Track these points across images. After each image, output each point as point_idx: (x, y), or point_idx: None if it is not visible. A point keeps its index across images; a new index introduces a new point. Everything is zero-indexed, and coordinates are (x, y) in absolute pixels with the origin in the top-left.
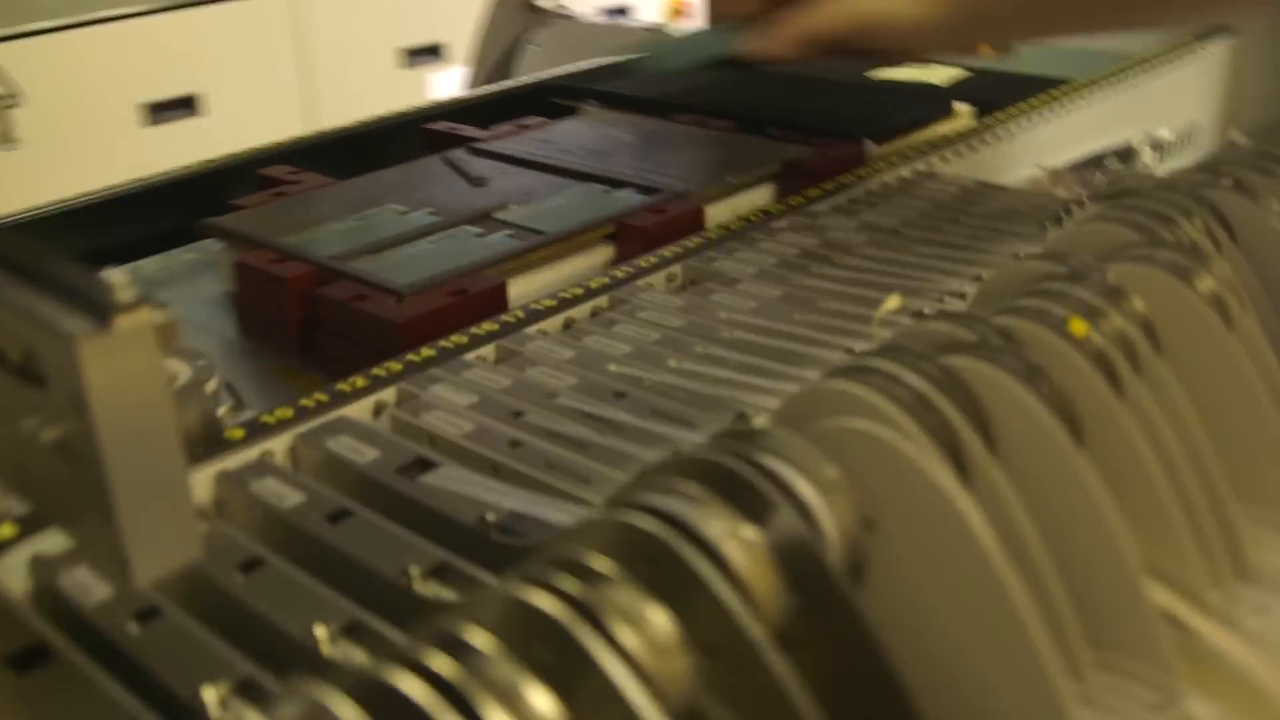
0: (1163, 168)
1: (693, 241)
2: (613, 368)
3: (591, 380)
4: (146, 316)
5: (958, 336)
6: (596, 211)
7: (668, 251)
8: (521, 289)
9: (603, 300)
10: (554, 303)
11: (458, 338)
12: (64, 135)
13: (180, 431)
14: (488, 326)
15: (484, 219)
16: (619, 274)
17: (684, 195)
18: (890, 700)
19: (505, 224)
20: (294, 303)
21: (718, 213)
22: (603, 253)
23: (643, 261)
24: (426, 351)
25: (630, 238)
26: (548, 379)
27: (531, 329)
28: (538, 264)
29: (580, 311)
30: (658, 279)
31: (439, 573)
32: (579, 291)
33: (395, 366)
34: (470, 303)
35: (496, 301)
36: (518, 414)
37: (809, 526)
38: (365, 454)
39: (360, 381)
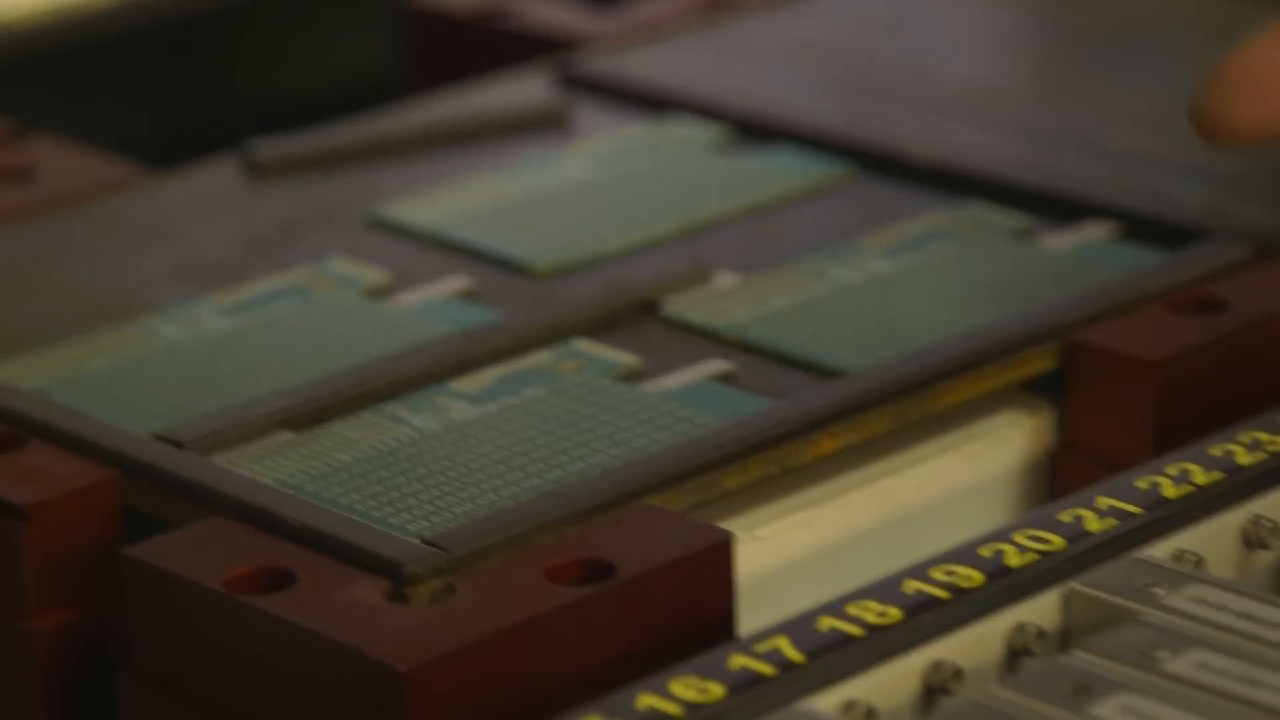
0: None
1: None
2: None
3: None
4: None
5: None
6: (995, 303)
7: (1259, 442)
8: (775, 559)
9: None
10: (880, 612)
11: None
12: None
13: None
14: (691, 689)
15: (617, 320)
16: (1100, 525)
17: None
18: None
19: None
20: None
21: None
22: (1017, 433)
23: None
24: None
25: (1115, 388)
26: None
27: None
28: (812, 479)
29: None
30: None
31: None
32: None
33: None
34: (618, 604)
35: (701, 609)
36: None
37: None
38: None
39: None
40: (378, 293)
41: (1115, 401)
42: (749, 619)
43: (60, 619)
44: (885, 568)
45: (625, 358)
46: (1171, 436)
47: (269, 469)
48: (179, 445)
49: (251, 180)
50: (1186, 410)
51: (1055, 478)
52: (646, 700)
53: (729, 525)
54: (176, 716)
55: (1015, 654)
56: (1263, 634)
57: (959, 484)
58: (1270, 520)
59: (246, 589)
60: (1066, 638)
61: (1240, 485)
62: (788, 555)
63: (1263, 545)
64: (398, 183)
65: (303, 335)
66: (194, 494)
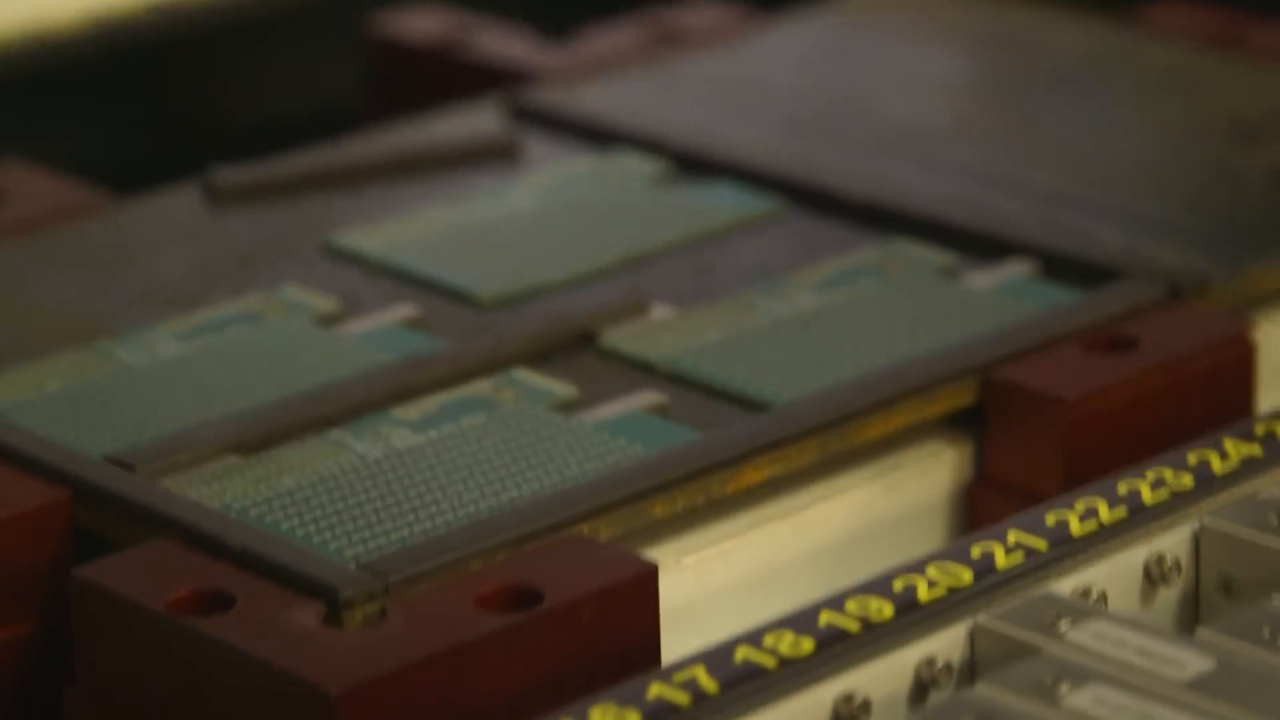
0: None
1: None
2: None
3: None
4: None
5: None
6: (917, 339)
7: (1164, 480)
8: (701, 586)
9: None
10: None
11: None
12: None
13: None
14: (610, 716)
15: (564, 349)
16: (1008, 561)
17: (1195, 286)
18: None
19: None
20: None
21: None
22: (936, 466)
23: (1083, 513)
24: None
25: (1030, 424)
26: None
27: None
28: (738, 509)
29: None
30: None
31: None
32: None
33: None
34: (545, 631)
35: (626, 636)
36: None
37: None
38: None
39: None
40: (328, 320)
41: (1029, 437)
42: (675, 643)
43: (11, 634)
44: (807, 596)
45: (562, 388)
46: (1083, 470)
47: (216, 492)
48: (129, 468)
49: (212, 207)
50: (1097, 446)
51: (972, 509)
52: None
53: (656, 552)
54: None
55: (923, 686)
56: (1158, 670)
57: (879, 515)
58: (1172, 557)
59: (188, 610)
60: (972, 670)
61: (1144, 523)
62: (712, 583)
63: (1165, 582)
64: (353, 211)
65: (253, 361)
66: (142, 516)
